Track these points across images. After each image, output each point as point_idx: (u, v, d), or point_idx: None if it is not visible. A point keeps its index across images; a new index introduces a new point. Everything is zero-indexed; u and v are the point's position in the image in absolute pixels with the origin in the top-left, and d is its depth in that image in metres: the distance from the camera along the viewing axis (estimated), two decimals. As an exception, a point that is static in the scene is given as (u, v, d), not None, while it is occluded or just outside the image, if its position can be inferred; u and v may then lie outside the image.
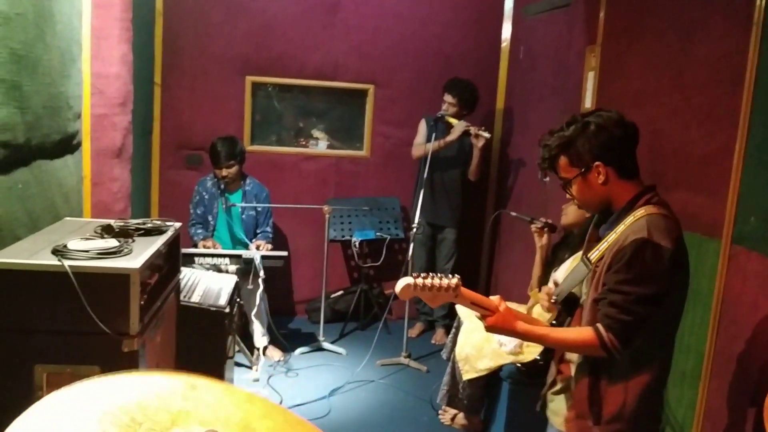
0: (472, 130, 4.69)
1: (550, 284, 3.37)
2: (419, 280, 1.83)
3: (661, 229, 1.83)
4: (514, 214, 4.03)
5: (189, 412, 1.20)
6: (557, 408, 2.25)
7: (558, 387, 2.26)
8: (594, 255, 1.96)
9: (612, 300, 1.84)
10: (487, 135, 4.73)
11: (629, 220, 1.88)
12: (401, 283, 1.84)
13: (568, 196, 2.03)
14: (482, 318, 1.93)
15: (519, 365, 3.30)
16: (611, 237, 1.91)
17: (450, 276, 1.86)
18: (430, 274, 1.85)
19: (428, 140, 4.75)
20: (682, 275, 1.90)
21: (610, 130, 1.90)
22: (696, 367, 2.55)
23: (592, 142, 1.90)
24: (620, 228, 1.89)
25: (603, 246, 1.93)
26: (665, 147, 2.86)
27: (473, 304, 1.91)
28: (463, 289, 1.87)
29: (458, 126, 4.70)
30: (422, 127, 4.99)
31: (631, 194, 1.92)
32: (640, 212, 1.87)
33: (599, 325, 1.84)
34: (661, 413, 2.02)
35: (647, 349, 1.90)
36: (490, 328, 1.93)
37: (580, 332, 1.91)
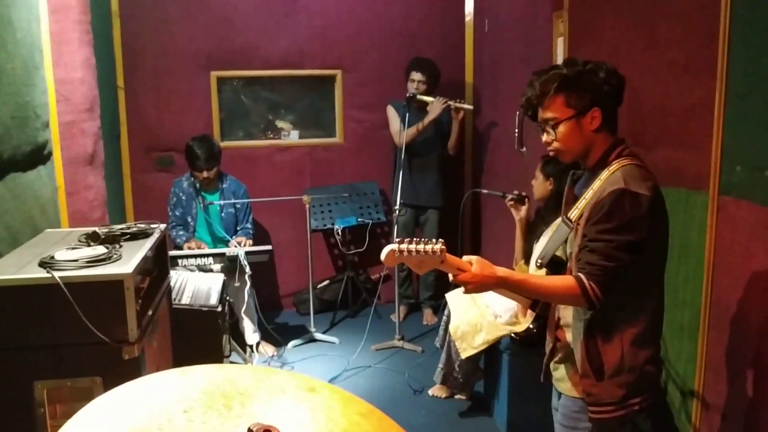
0: (452, 104, 4.65)
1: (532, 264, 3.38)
2: (404, 246, 1.78)
3: (637, 177, 1.86)
4: (485, 191, 4.05)
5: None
6: (562, 375, 2.24)
7: (559, 356, 2.26)
8: (574, 213, 1.97)
9: (593, 247, 1.85)
10: (468, 106, 4.72)
11: (604, 174, 1.91)
12: (386, 250, 1.80)
13: (545, 137, 1.98)
14: (459, 280, 1.88)
15: (513, 335, 3.32)
16: (588, 194, 1.93)
17: (434, 241, 1.82)
18: (414, 239, 1.81)
19: (403, 123, 4.62)
20: (662, 221, 1.92)
21: (617, 79, 1.93)
22: (693, 321, 2.57)
23: (600, 86, 1.91)
24: (596, 184, 1.91)
25: (581, 203, 1.95)
26: (643, 106, 2.86)
27: (459, 270, 1.87)
28: (449, 256, 1.84)
29: (436, 103, 4.63)
30: (392, 113, 4.91)
31: (606, 146, 1.94)
32: (614, 166, 1.91)
33: (581, 274, 1.85)
34: (660, 359, 2.03)
35: (634, 299, 1.91)
36: (468, 286, 1.86)
37: (561, 279, 1.92)
